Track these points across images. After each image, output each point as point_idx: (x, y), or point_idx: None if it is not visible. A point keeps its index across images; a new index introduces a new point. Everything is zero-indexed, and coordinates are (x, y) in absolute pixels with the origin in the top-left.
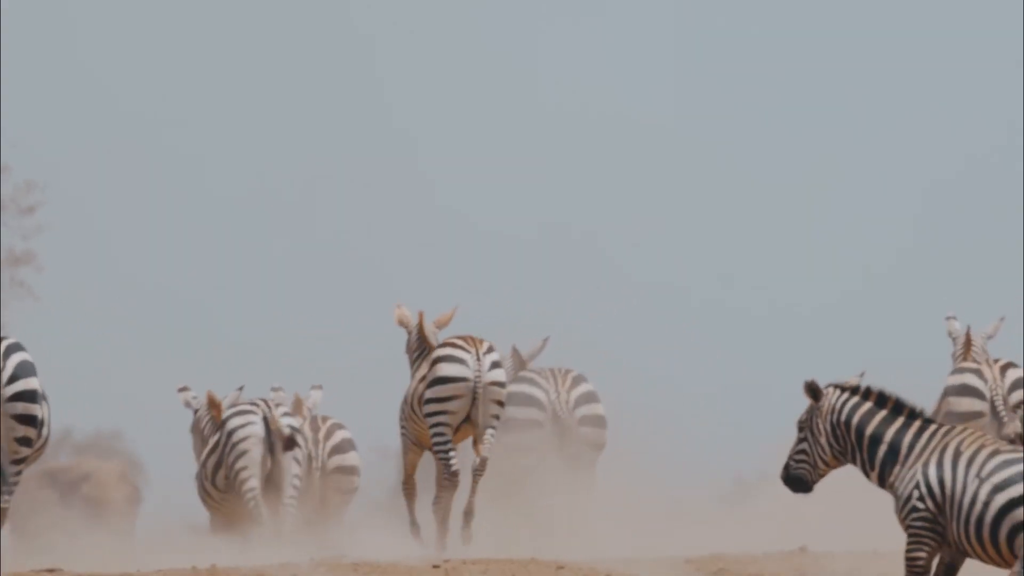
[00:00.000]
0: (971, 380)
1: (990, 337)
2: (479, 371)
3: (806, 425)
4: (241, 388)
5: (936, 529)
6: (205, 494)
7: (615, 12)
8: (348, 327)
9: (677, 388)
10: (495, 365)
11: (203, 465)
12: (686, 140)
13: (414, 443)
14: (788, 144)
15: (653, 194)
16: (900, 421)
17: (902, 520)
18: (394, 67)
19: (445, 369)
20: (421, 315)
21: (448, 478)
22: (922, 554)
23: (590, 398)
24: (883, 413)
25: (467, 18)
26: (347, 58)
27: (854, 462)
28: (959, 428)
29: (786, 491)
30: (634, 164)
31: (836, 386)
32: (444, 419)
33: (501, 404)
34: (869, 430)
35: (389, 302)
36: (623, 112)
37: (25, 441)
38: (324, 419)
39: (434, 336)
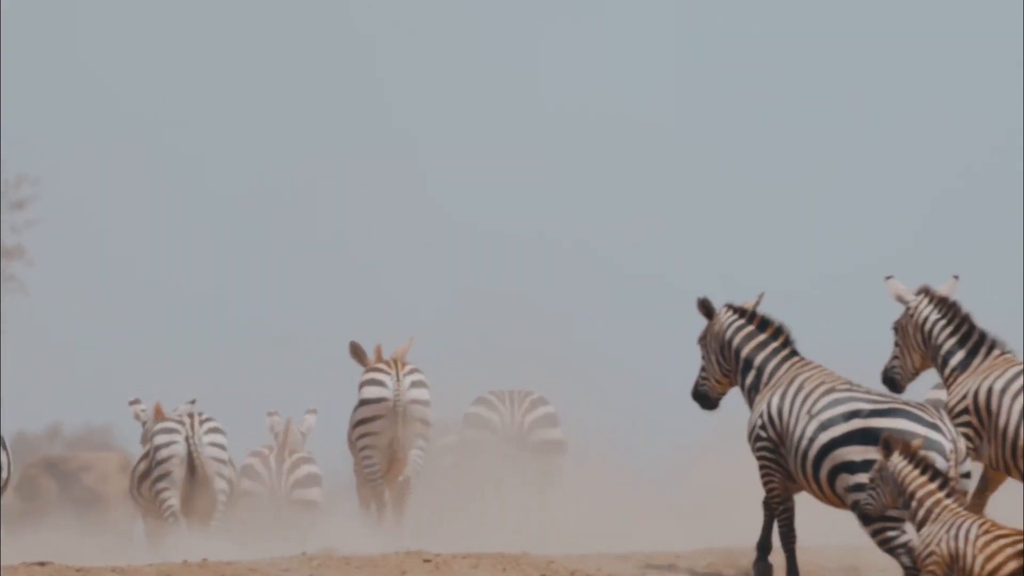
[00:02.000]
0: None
1: None
2: (398, 390)
3: (702, 343)
4: (193, 401)
5: (779, 460)
6: (132, 499)
7: (615, 12)
8: (346, 327)
9: (676, 388)
10: (416, 384)
11: (133, 470)
12: (686, 140)
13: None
14: (788, 144)
15: (653, 194)
16: (772, 347)
17: (751, 447)
18: (394, 67)
19: (366, 392)
20: (379, 349)
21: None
22: (774, 481)
23: (547, 422)
24: (761, 337)
25: (467, 18)
26: (347, 58)
27: (738, 384)
28: (813, 364)
29: None
30: (634, 164)
31: (729, 307)
32: (369, 441)
33: (426, 423)
34: (744, 353)
35: (389, 302)
36: (623, 112)
37: None
38: (292, 451)
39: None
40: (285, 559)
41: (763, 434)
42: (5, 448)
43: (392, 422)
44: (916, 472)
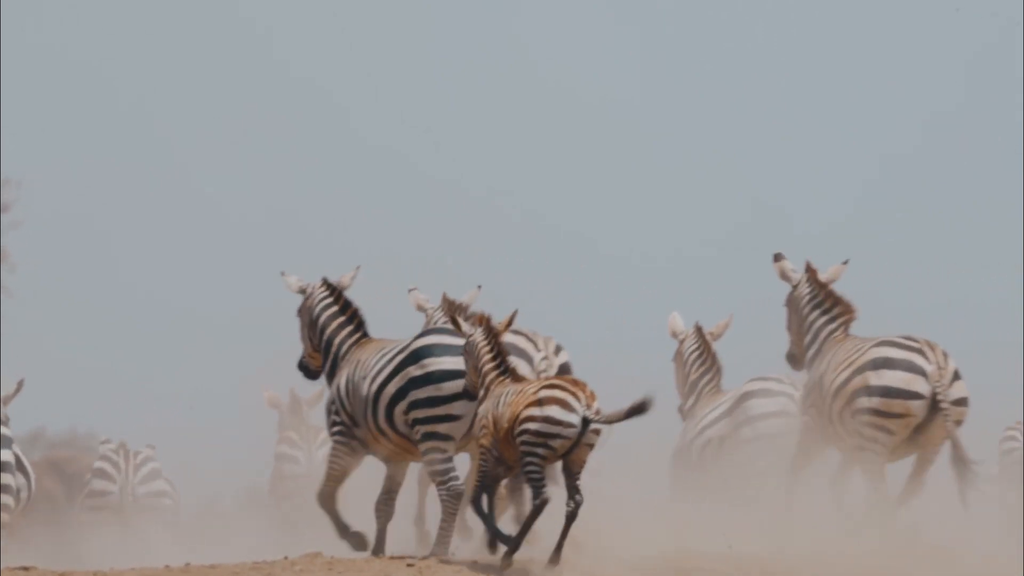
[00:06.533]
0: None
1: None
2: (310, 464)
3: (299, 315)
4: (153, 447)
5: (350, 443)
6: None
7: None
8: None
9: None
10: None
11: (80, 502)
12: (652, 117)
13: None
14: (746, 118)
15: (624, 173)
16: (348, 329)
17: (328, 430)
18: (382, 61)
19: (282, 469)
20: (292, 390)
21: None
22: (338, 464)
23: None
24: (342, 319)
25: (456, 15)
26: (340, 60)
27: (325, 358)
28: (376, 340)
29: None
30: (600, 141)
31: (324, 282)
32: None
33: None
34: (327, 333)
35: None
36: (590, 94)
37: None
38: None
39: (304, 415)
40: (268, 563)
41: (337, 419)
42: (27, 471)
43: (307, 488)
44: (488, 351)
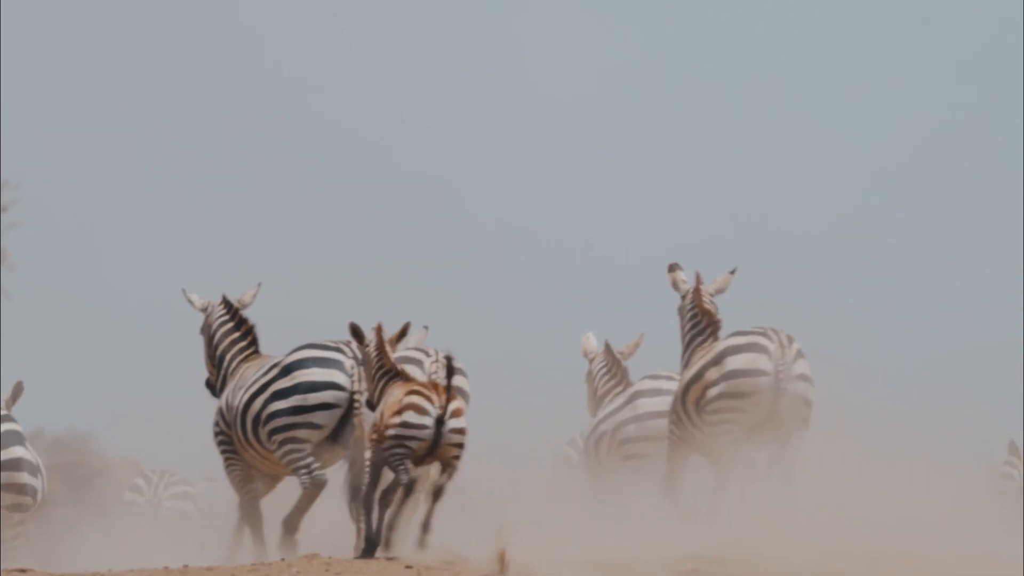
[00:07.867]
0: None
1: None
2: None
3: (202, 333)
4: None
5: (237, 450)
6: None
7: None
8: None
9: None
10: None
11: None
12: (651, 117)
13: None
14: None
15: (624, 174)
16: (240, 346)
17: (213, 438)
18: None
19: None
20: None
21: None
22: (236, 473)
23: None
24: (236, 335)
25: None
26: (340, 60)
27: (218, 374)
28: (264, 356)
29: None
30: (598, 142)
31: (224, 301)
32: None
33: None
34: (221, 348)
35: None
36: (589, 95)
37: (17, 507)
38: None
39: None
40: (266, 564)
41: (217, 430)
42: (40, 470)
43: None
44: (377, 360)
